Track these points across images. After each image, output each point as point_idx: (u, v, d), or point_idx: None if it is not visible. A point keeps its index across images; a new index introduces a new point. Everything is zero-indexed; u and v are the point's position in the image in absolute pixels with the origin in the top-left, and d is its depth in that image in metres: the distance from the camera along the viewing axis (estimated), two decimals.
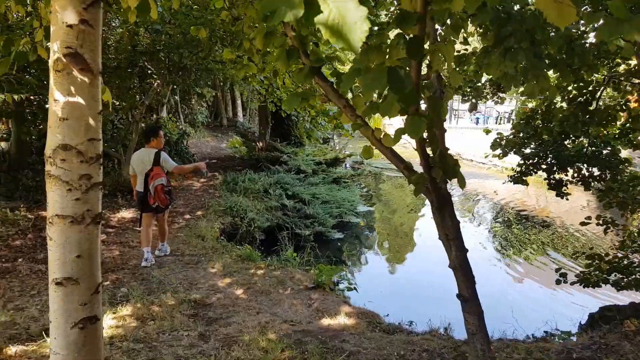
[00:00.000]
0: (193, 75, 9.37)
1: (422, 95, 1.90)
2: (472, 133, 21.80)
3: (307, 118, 8.66)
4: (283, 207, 8.48)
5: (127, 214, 7.20)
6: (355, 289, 5.06)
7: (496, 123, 25.59)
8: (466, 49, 4.41)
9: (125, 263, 5.32)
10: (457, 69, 4.31)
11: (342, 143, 12.16)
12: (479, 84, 6.68)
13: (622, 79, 5.10)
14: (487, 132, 7.03)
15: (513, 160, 17.29)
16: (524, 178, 6.85)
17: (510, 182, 6.98)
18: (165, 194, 5.21)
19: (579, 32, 3.30)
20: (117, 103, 8.35)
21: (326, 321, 4.25)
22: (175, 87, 12.58)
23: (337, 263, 7.63)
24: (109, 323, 3.75)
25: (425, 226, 10.24)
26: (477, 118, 26.73)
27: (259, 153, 10.02)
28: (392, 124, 29.34)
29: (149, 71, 8.13)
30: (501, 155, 6.96)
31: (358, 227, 9.49)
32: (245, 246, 6.18)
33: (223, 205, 7.91)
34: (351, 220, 9.45)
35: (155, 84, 8.08)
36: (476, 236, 9.69)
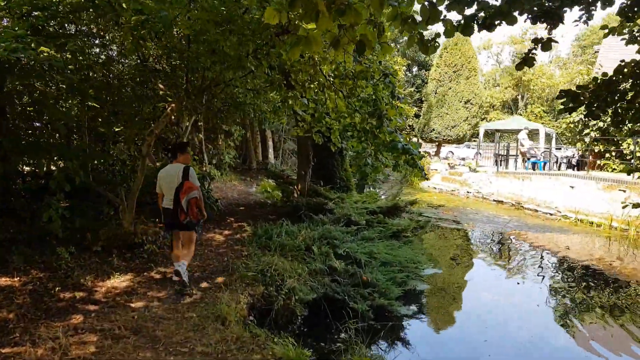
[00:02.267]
0: (218, 103, 7.74)
1: None
2: (531, 180, 19.56)
3: (369, 151, 6.80)
4: (332, 270, 6.52)
5: (121, 281, 5.36)
6: None
7: (558, 168, 23.18)
8: None
9: None
10: None
11: (395, 188, 10.24)
12: None
13: None
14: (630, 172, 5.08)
15: (588, 209, 14.84)
16: None
17: None
18: (197, 208, 5.29)
19: None
20: (119, 129, 6.72)
21: None
22: (198, 120, 11.06)
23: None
24: None
25: (507, 293, 8.04)
26: (533, 162, 24.43)
27: (298, 199, 8.18)
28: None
29: (161, 92, 6.50)
30: None
31: (424, 296, 7.38)
32: (287, 342, 4.20)
33: (253, 268, 6.01)
34: (417, 287, 7.39)
35: (169, 108, 6.42)
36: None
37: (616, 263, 11.06)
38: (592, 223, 15.83)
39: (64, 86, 5.33)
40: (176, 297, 5.06)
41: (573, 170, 21.82)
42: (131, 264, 5.93)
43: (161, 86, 6.61)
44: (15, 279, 5.01)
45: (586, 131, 20.28)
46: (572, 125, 21.45)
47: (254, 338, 4.32)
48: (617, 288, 8.90)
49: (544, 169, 22.79)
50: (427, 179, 6.43)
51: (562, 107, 4.23)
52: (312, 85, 5.91)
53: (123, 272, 5.58)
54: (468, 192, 23.25)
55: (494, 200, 21.24)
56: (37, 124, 6.01)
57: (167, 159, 9.22)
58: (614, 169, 19.60)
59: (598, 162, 20.50)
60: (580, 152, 22.27)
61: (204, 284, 5.54)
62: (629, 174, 14.35)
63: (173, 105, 6.40)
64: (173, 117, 6.78)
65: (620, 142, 19.10)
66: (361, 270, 6.65)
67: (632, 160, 17.47)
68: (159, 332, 4.24)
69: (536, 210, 18.55)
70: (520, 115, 36.53)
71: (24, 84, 4.75)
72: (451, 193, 23.56)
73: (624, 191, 14.98)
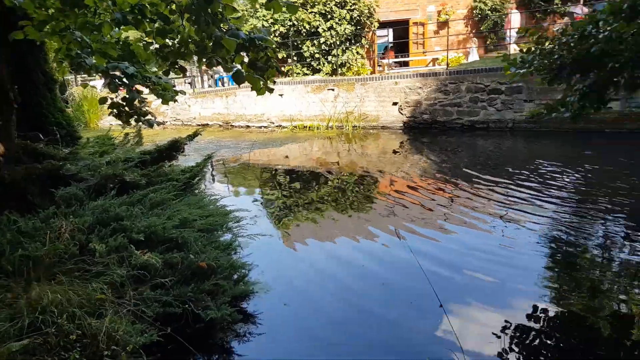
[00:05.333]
0: None
1: None
2: (235, 95, 18.74)
3: (149, 66, 4.07)
4: (147, 272, 3.89)
5: None
6: None
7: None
8: None
9: None
10: None
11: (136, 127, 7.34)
12: None
13: None
14: None
15: (302, 114, 16.14)
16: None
17: None
18: None
19: None
20: None
21: None
22: None
23: None
24: None
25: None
26: (220, 78, 23.64)
27: (9, 171, 4.59)
28: None
29: None
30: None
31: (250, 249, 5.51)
32: None
33: (2, 327, 2.90)
34: (241, 246, 5.46)
35: None
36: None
37: (335, 160, 11.67)
38: (307, 127, 16.26)
39: None
40: None
41: None
42: None
43: None
44: None
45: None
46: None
47: None
48: (331, 182, 9.52)
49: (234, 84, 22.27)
50: (270, 90, 4.34)
51: None
52: None
53: None
54: (164, 121, 20.96)
55: (198, 125, 19.76)
56: None
57: None
58: (299, 73, 20.52)
59: (282, 68, 21.08)
60: None
61: None
62: None
63: None
64: None
65: (300, 45, 19.89)
66: (187, 253, 4.22)
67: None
68: None
69: (248, 127, 18.02)
70: None
71: None
72: (142, 127, 20.80)
73: (333, 89, 15.69)
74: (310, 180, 9.88)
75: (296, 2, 19.16)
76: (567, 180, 8.16)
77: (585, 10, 17.04)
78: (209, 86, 24.52)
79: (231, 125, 18.43)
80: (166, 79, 4.67)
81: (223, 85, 23.47)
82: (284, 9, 3.13)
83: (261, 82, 3.68)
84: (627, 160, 9.38)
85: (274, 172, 10.93)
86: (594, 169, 8.76)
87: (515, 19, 18.08)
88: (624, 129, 11.44)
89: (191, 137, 6.21)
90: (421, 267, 4.89)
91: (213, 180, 9.97)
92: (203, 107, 19.28)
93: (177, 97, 4.86)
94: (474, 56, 18.46)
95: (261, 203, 8.29)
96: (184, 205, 5.00)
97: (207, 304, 3.83)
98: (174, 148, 5.96)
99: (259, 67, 3.60)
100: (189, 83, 24.36)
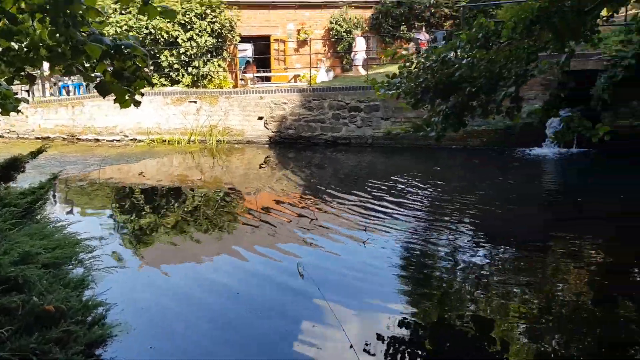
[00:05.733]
0: None
1: None
2: (83, 105, 17.08)
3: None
4: None
5: None
6: None
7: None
8: None
9: None
10: None
11: None
12: None
13: None
14: None
15: (162, 127, 15.54)
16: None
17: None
18: None
19: None
20: None
21: None
22: None
23: None
24: None
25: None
26: (64, 86, 21.39)
27: None
28: None
29: None
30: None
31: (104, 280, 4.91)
32: None
33: None
34: (95, 281, 4.84)
35: None
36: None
37: (197, 177, 11.33)
38: (167, 141, 15.39)
39: None
40: None
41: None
42: None
43: None
44: None
45: None
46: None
47: None
48: (193, 201, 9.18)
49: (81, 92, 20.32)
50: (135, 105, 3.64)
51: None
52: None
53: None
54: None
55: (37, 138, 17.62)
56: None
57: None
58: (156, 83, 19.47)
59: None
60: None
61: None
62: None
63: None
64: None
65: (158, 54, 18.92)
66: (29, 295, 3.56)
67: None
68: None
69: (97, 140, 16.52)
70: None
71: None
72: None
73: (195, 102, 15.06)
74: (170, 199, 9.31)
75: None
76: (422, 195, 8.72)
77: (428, 36, 18.69)
78: (51, 94, 22.06)
79: (77, 139, 16.75)
80: (6, 86, 3.99)
81: (68, 93, 21.29)
82: (159, 16, 2.80)
83: (127, 94, 3.30)
84: (471, 175, 10.38)
85: (129, 191, 10.07)
86: (444, 184, 9.51)
87: (360, 43, 19.16)
88: (468, 145, 12.72)
89: (35, 153, 5.36)
90: (325, 299, 4.72)
91: (57, 203, 8.84)
92: (44, 118, 17.25)
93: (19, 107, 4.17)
94: (322, 76, 18.76)
95: (116, 228, 7.53)
96: (25, 235, 4.26)
97: (56, 357, 3.25)
98: (13, 167, 5.08)
99: (126, 77, 3.18)
100: (26, 90, 21.67)
